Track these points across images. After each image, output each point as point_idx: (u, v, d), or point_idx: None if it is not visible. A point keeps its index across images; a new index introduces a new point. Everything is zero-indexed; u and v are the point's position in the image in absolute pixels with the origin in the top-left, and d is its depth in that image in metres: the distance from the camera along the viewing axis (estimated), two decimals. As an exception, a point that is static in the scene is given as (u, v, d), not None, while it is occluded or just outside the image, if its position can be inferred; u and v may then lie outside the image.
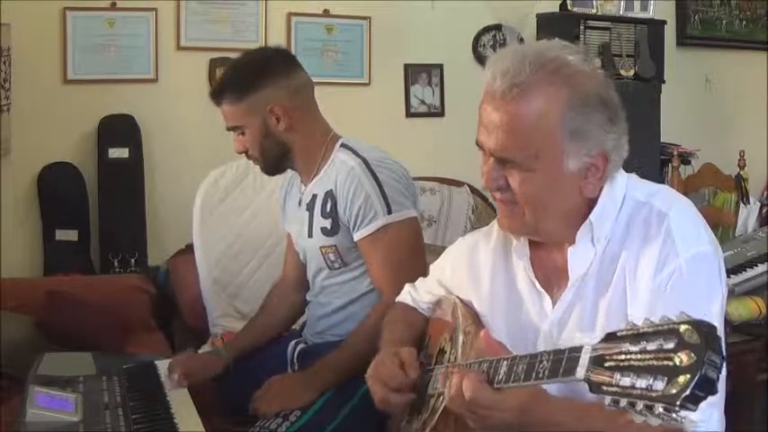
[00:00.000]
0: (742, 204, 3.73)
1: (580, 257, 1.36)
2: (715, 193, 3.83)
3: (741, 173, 3.82)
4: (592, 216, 1.35)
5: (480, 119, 1.34)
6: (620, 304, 1.32)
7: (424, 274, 1.90)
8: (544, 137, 1.28)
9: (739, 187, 3.75)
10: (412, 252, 2.00)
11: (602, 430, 1.19)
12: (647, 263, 1.30)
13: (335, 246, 2.04)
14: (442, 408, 1.40)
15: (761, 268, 2.59)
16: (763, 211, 3.86)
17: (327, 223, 2.05)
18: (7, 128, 3.24)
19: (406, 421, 1.54)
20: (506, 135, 1.29)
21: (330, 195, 2.03)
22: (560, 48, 1.33)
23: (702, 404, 1.18)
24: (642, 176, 1.43)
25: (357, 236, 2.00)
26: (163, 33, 3.56)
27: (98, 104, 3.46)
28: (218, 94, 2.05)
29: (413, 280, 1.87)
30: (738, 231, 3.57)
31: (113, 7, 3.48)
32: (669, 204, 1.34)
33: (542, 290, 1.42)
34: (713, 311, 1.28)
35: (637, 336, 0.93)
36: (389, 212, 1.97)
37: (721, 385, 1.24)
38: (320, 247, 2.09)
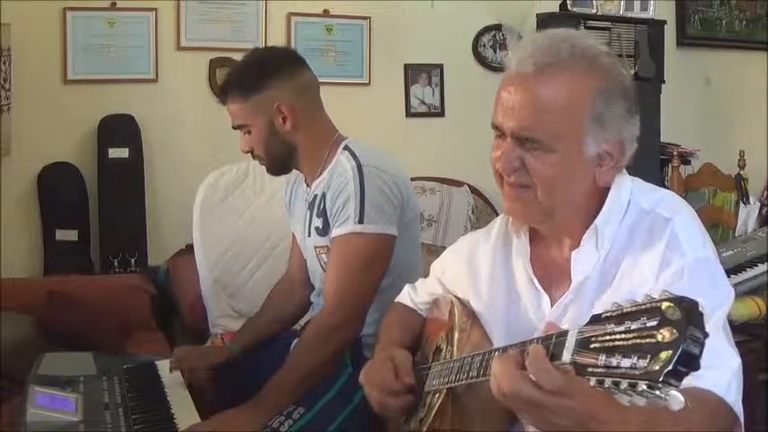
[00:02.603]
0: (742, 204, 3.73)
1: (583, 261, 1.36)
2: (715, 193, 3.83)
3: (741, 173, 3.82)
4: (597, 220, 1.35)
5: (500, 100, 1.33)
6: None
7: (372, 294, 1.94)
8: (569, 119, 1.29)
9: (739, 187, 3.75)
10: (366, 269, 1.96)
11: (656, 413, 1.11)
12: (650, 263, 1.30)
13: (327, 246, 2.04)
14: (438, 405, 1.40)
15: (761, 268, 2.59)
16: (763, 211, 3.86)
17: (320, 223, 2.04)
18: (7, 128, 3.24)
19: (404, 420, 1.54)
20: (532, 114, 1.29)
21: (324, 195, 2.03)
22: (585, 36, 1.36)
23: (725, 374, 1.18)
24: (641, 176, 1.43)
25: (331, 235, 1.99)
26: (163, 33, 3.57)
27: (98, 104, 3.46)
28: (223, 93, 2.05)
29: (357, 297, 1.91)
30: (738, 231, 3.57)
31: (113, 7, 3.48)
32: (673, 211, 1.35)
33: (541, 288, 1.42)
34: (717, 315, 1.27)
35: (621, 316, 0.94)
36: (360, 222, 1.94)
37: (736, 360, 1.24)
38: (315, 247, 2.09)
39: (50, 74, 3.42)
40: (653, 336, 0.87)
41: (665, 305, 0.88)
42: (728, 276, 1.40)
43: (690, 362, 0.85)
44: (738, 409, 1.23)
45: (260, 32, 3.70)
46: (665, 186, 3.73)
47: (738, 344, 1.32)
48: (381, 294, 1.99)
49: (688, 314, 0.87)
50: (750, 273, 2.58)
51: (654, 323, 0.88)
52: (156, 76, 3.57)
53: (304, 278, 2.26)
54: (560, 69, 1.29)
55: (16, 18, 3.23)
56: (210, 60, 3.63)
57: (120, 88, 3.52)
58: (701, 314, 0.88)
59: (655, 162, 3.98)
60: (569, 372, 1.01)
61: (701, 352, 0.86)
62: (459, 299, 1.56)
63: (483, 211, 3.86)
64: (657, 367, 0.85)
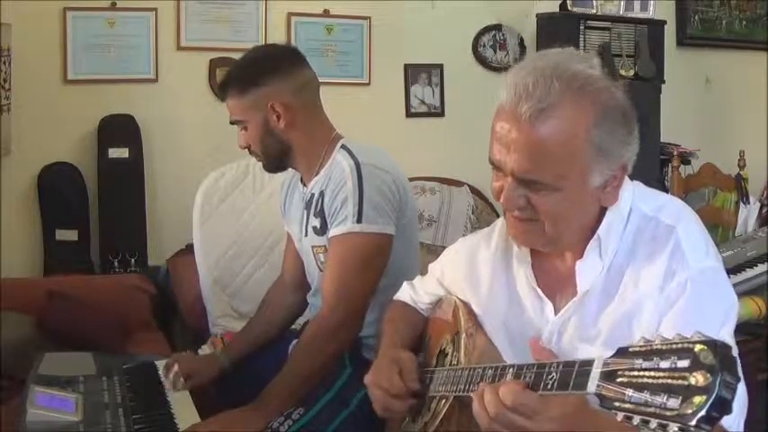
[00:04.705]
0: (742, 204, 3.73)
1: (588, 271, 1.35)
2: (715, 193, 3.83)
3: (741, 173, 3.82)
4: (600, 231, 1.34)
5: (496, 136, 1.29)
6: (625, 316, 1.31)
7: (370, 294, 1.93)
8: (571, 157, 1.25)
9: (739, 187, 3.74)
10: (364, 269, 1.95)
11: None
12: (653, 274, 1.30)
13: (325, 246, 2.03)
14: (444, 411, 1.40)
15: (761, 268, 2.59)
16: (763, 211, 3.85)
17: (318, 222, 2.04)
18: (7, 128, 3.24)
19: (407, 423, 1.54)
20: (533, 158, 1.25)
21: (321, 195, 2.03)
22: (579, 60, 1.30)
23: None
24: (641, 176, 1.43)
25: (329, 235, 1.99)
26: (163, 33, 3.57)
27: (98, 104, 3.46)
28: (223, 88, 2.06)
29: (355, 297, 1.91)
30: (738, 231, 3.56)
31: (113, 7, 3.48)
32: (676, 218, 1.34)
33: (544, 296, 1.41)
34: (726, 330, 1.27)
35: (649, 352, 0.92)
36: (359, 221, 1.94)
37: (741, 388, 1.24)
38: (312, 247, 2.08)
39: (50, 74, 3.42)
40: (685, 378, 0.86)
41: (698, 347, 0.87)
42: (728, 276, 1.40)
43: (722, 407, 0.85)
44: (735, 430, 1.23)
45: (260, 32, 3.69)
46: (664, 187, 3.75)
47: (738, 344, 1.32)
48: (379, 295, 1.98)
49: (722, 359, 0.86)
50: (750, 273, 2.58)
51: (685, 364, 0.87)
52: (156, 76, 3.57)
53: (297, 281, 2.26)
54: (554, 109, 1.23)
55: (16, 18, 3.23)
56: (210, 60, 3.62)
57: (120, 88, 3.51)
58: (734, 359, 0.87)
59: (655, 162, 3.98)
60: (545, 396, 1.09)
61: (733, 397, 0.85)
62: (462, 301, 1.56)
63: (483, 211, 3.86)
64: (690, 411, 0.84)
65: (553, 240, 1.35)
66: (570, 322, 1.37)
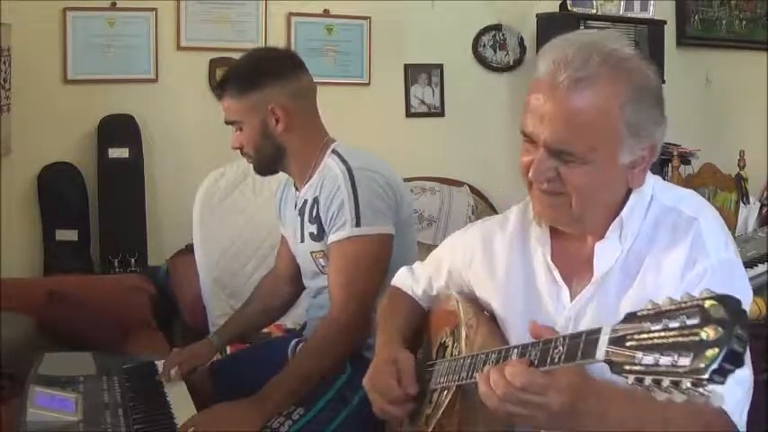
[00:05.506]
0: (742, 204, 3.73)
1: (607, 253, 1.36)
2: (715, 193, 3.83)
3: (741, 173, 3.82)
4: (623, 213, 1.36)
5: (530, 107, 1.31)
6: (644, 302, 1.31)
7: (377, 294, 1.91)
8: (604, 130, 1.28)
9: (739, 187, 3.75)
10: (370, 269, 1.96)
11: (650, 414, 1.16)
12: (674, 261, 1.30)
13: (323, 251, 2.04)
14: (447, 402, 1.39)
15: (761, 268, 2.59)
16: (763, 211, 3.85)
17: (314, 228, 2.05)
18: (7, 128, 3.24)
19: (409, 420, 1.53)
20: (566, 127, 1.27)
21: (316, 201, 2.04)
22: (616, 40, 1.33)
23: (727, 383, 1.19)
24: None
25: (328, 240, 2.00)
26: (163, 33, 3.57)
27: (98, 104, 3.46)
28: (221, 88, 2.06)
29: (363, 298, 1.91)
30: (738, 231, 3.56)
31: (113, 7, 3.48)
32: (697, 210, 1.36)
33: (561, 281, 1.41)
34: None
35: (659, 314, 0.93)
36: (358, 225, 1.95)
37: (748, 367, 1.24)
38: (310, 252, 2.09)
39: (50, 74, 3.42)
40: (696, 334, 0.87)
41: (708, 303, 0.88)
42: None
43: (734, 359, 0.85)
44: (737, 419, 1.23)
45: (260, 32, 3.70)
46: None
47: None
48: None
49: (733, 312, 0.87)
50: (750, 273, 2.58)
51: (695, 321, 0.88)
52: (156, 76, 3.57)
53: (290, 275, 2.27)
54: (592, 82, 1.26)
55: (16, 18, 3.23)
56: (210, 60, 3.63)
57: (120, 88, 3.52)
58: (745, 312, 0.88)
59: (655, 162, 3.98)
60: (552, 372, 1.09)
61: (745, 350, 0.86)
62: (463, 295, 1.55)
63: (483, 212, 3.86)
64: (703, 365, 0.85)
65: (577, 218, 1.35)
66: (588, 308, 1.37)
